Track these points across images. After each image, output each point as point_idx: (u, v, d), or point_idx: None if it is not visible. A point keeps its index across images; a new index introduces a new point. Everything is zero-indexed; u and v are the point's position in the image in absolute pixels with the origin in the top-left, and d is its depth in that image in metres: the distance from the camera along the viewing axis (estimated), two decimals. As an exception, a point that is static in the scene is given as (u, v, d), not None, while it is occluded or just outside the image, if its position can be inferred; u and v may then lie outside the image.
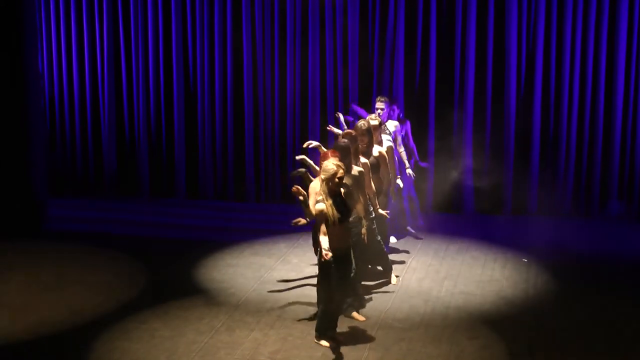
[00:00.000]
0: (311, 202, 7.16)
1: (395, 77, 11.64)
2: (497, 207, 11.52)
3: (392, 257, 9.49)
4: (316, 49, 11.84)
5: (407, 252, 9.70)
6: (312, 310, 7.81)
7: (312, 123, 12.02)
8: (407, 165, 9.91)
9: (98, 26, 12.38)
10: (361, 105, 11.48)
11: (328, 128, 9.35)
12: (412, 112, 11.18)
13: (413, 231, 10.26)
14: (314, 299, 8.05)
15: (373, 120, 8.78)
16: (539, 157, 11.47)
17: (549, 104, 11.37)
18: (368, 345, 7.10)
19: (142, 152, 12.59)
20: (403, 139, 10.15)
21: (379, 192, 8.47)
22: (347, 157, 7.68)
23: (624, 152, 11.28)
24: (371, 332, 7.36)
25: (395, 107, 10.26)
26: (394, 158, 9.25)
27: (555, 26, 11.18)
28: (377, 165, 8.52)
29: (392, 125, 9.91)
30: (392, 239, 9.79)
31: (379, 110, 9.77)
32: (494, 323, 7.58)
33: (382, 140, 8.99)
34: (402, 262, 9.32)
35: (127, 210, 12.01)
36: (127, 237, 10.48)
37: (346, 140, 7.89)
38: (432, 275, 8.80)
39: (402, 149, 9.91)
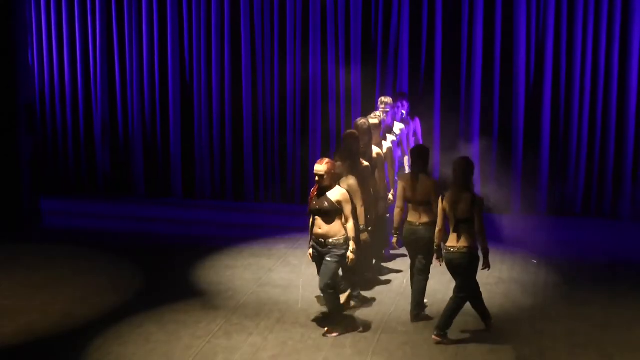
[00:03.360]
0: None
1: (400, 74, 11.65)
2: (506, 207, 11.54)
3: (398, 256, 9.54)
4: (317, 44, 11.86)
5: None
6: (312, 313, 7.84)
7: (312, 121, 12.04)
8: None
9: (90, 19, 12.41)
10: (364, 104, 11.47)
11: None
12: (416, 111, 11.20)
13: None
14: (315, 302, 8.09)
15: (373, 119, 8.73)
16: (549, 155, 11.49)
17: (558, 100, 11.38)
18: (371, 349, 7.13)
19: (136, 149, 12.62)
20: (408, 137, 10.08)
21: (377, 197, 8.44)
22: (350, 158, 7.89)
23: (637, 151, 11.29)
24: (374, 336, 7.39)
25: (399, 104, 10.09)
26: (393, 161, 9.16)
27: (565, 18, 11.19)
28: (374, 167, 8.45)
29: (397, 127, 9.84)
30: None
31: (383, 114, 9.62)
32: (502, 326, 7.59)
33: (381, 141, 8.92)
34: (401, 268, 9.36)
35: (121, 210, 12.04)
36: (121, 238, 10.51)
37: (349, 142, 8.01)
38: (437, 277, 8.79)
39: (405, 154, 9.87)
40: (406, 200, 7.70)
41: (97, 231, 10.86)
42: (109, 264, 9.45)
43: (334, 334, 7.35)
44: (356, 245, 7.31)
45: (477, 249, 7.12)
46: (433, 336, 7.24)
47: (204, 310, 7.98)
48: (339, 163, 7.75)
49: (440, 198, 7.24)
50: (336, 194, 7.26)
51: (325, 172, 7.24)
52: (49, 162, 12.81)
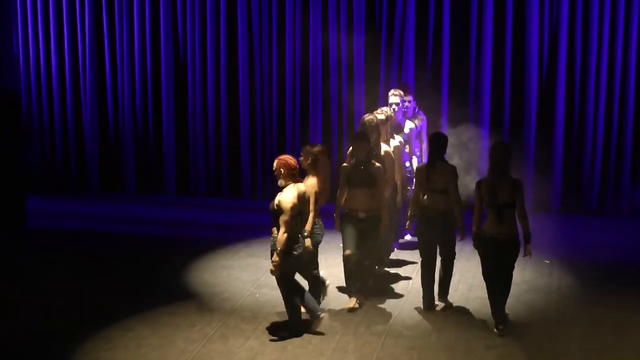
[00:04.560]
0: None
1: (405, 65, 11.64)
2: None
3: (402, 258, 9.56)
4: (318, 33, 11.85)
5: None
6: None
7: (313, 114, 12.03)
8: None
9: (79, 3, 12.39)
10: (368, 98, 11.44)
11: None
12: (422, 104, 11.17)
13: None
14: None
15: (379, 114, 8.67)
16: (563, 150, 11.48)
17: (573, 92, 11.38)
18: (375, 354, 7.13)
19: (127, 143, 12.62)
20: (420, 135, 10.04)
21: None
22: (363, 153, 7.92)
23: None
24: (379, 340, 7.39)
25: (411, 98, 9.97)
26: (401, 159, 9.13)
27: (581, 2, 11.16)
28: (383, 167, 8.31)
29: (407, 126, 9.75)
30: (408, 237, 9.98)
31: (394, 106, 9.58)
32: (514, 331, 7.59)
33: (388, 139, 8.81)
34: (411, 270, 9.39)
35: (111, 207, 12.05)
36: (111, 237, 10.52)
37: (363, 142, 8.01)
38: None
39: (413, 149, 9.86)
40: (424, 189, 7.87)
41: (85, 230, 10.87)
42: (98, 264, 9.45)
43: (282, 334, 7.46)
44: (281, 258, 7.19)
45: (519, 235, 7.40)
46: (498, 330, 7.46)
47: (199, 312, 7.98)
48: (301, 158, 7.76)
49: (476, 184, 7.51)
50: (279, 197, 7.25)
51: (274, 169, 7.36)
52: (35, 156, 12.80)
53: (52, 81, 12.67)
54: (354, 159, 8.04)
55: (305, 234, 7.54)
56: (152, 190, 12.65)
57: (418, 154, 9.97)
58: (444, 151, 7.91)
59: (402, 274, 9.11)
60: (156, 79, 12.41)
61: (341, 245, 8.20)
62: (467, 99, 11.58)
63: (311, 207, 7.62)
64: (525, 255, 7.45)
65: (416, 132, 9.95)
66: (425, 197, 7.86)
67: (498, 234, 7.36)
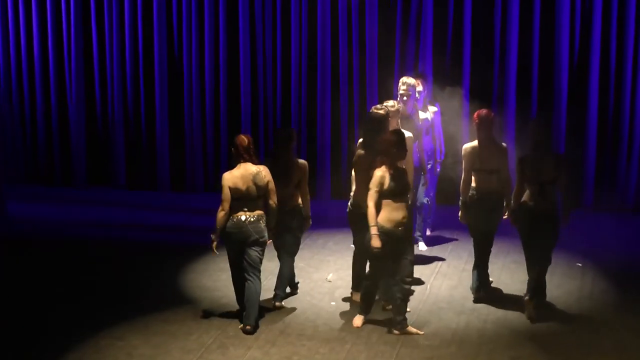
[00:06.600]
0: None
1: (422, 52, 11.61)
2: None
3: (420, 262, 9.54)
4: (327, 17, 11.84)
5: (443, 259, 9.74)
6: (321, 324, 7.83)
7: (321, 106, 12.02)
8: (430, 164, 9.82)
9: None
10: (381, 89, 11.41)
11: None
12: (442, 96, 11.13)
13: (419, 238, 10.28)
14: (323, 311, 8.11)
15: (380, 110, 8.41)
16: (596, 142, 11.46)
17: (608, 81, 11.36)
18: (389, 366, 7.14)
19: (117, 135, 12.63)
20: (427, 130, 9.93)
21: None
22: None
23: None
24: (393, 350, 7.37)
25: (421, 89, 9.79)
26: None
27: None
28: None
29: (420, 116, 9.64)
30: (422, 246, 9.90)
31: (405, 97, 9.38)
32: (541, 340, 7.57)
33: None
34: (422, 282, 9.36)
35: (100, 205, 12.07)
36: (99, 237, 10.54)
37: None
38: (465, 283, 8.82)
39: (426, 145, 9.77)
40: (474, 170, 8.18)
41: (71, 229, 10.90)
42: (85, 266, 9.47)
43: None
44: (217, 235, 7.72)
45: (559, 209, 7.83)
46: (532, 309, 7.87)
47: (196, 320, 7.98)
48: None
49: (519, 161, 7.80)
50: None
51: None
52: (17, 152, 12.84)
53: (33, 67, 12.68)
54: (392, 162, 7.52)
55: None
56: (144, 186, 12.67)
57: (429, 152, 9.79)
58: (491, 130, 8.17)
59: (419, 279, 9.07)
60: (149, 65, 12.43)
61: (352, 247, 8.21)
62: (490, 92, 11.54)
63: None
64: (563, 225, 7.86)
65: (427, 125, 9.75)
66: (474, 178, 8.18)
67: (539, 209, 7.72)
